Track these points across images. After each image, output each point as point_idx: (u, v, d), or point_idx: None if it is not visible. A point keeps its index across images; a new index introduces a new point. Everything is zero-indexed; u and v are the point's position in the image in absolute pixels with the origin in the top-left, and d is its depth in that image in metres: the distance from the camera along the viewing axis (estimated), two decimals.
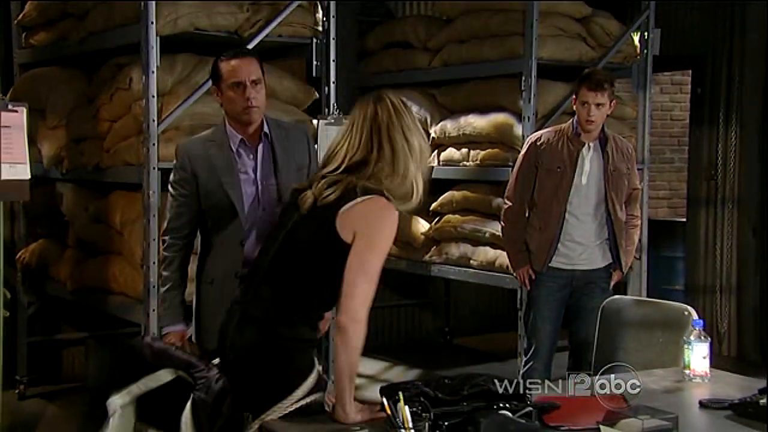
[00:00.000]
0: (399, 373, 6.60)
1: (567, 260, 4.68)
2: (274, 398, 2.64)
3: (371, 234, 2.61)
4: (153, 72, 4.43)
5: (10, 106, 4.12)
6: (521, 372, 4.79)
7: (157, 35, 4.44)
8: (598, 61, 5.89)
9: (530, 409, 2.51)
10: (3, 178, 4.11)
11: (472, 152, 5.99)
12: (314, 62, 4.93)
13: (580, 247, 4.67)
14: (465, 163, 6.05)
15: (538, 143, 4.71)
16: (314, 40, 4.96)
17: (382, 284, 7.71)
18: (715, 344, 7.27)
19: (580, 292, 4.67)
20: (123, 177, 4.79)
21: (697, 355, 3.09)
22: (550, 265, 4.67)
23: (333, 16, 4.93)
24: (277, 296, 2.72)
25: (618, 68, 6.20)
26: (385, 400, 2.32)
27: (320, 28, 4.94)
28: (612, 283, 4.80)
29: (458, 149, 6.09)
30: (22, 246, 5.89)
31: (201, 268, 3.45)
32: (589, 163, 4.64)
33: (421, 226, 6.36)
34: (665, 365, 3.37)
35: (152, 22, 4.42)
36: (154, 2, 4.43)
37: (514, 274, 4.87)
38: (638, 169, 6.11)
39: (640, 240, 6.24)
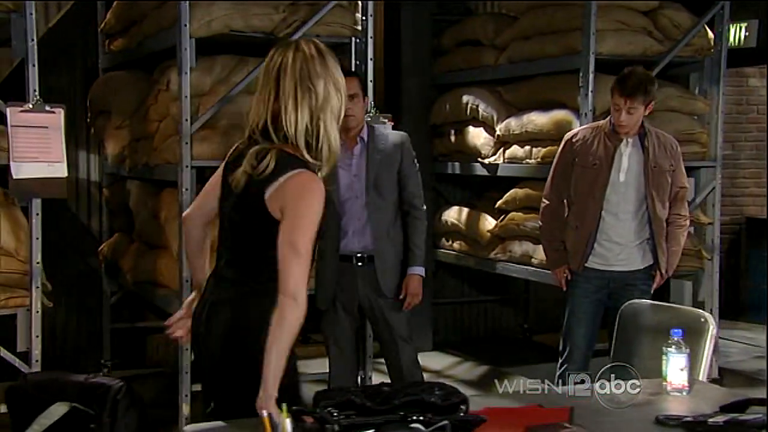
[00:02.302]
0: (466, 369, 6.32)
1: (603, 261, 4.33)
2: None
3: (298, 212, 2.41)
4: (186, 73, 4.37)
5: (47, 108, 4.14)
6: (556, 375, 4.46)
7: (190, 37, 4.37)
8: (665, 55, 5.44)
9: (446, 422, 2.25)
10: (42, 176, 4.16)
11: (534, 150, 5.67)
12: (353, 61, 4.75)
13: (618, 247, 4.31)
14: (528, 160, 5.73)
15: (574, 140, 4.40)
16: (354, 39, 4.77)
17: (461, 280, 7.39)
18: None
19: (619, 294, 4.28)
20: (165, 175, 4.76)
21: (674, 367, 2.73)
22: (586, 265, 4.35)
23: (371, 15, 4.74)
24: (239, 276, 2.57)
25: (689, 62, 5.72)
26: (264, 412, 2.12)
27: (359, 28, 4.75)
28: (654, 286, 4.40)
29: (521, 146, 5.77)
30: (105, 239, 6.01)
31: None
32: (627, 159, 4.28)
33: (488, 223, 6.09)
34: None
35: (185, 25, 4.35)
36: (187, 5, 4.36)
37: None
38: (710, 167, 5.68)
39: (711, 241, 5.76)
